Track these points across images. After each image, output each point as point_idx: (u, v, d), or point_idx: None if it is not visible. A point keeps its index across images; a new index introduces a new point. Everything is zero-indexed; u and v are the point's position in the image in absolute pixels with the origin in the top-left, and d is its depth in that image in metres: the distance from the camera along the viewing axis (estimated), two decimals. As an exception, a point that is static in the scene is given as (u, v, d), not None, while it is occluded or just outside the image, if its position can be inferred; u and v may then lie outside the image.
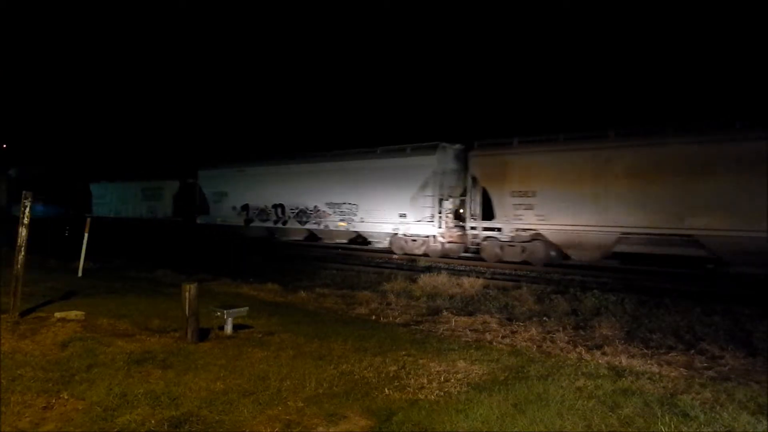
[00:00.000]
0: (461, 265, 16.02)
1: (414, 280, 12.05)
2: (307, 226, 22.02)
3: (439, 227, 17.93)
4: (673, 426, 4.12)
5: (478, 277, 12.92)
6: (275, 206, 23.30)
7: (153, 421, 4.07)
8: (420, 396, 4.74)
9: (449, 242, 18.12)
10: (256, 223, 24.26)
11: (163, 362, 5.48)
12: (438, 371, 5.43)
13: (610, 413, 4.38)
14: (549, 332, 7.65)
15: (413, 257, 17.98)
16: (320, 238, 22.16)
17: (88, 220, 12.73)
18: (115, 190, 36.12)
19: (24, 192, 7.46)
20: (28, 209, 7.41)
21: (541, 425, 4.13)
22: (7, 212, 36.03)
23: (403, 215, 18.68)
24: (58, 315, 7.24)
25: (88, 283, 10.96)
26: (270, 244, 22.95)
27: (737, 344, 6.95)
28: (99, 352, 5.74)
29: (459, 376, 5.32)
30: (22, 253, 7.35)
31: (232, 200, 25.52)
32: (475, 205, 17.64)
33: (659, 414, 4.34)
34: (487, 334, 7.52)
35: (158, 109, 69.79)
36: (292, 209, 22.51)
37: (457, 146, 18.46)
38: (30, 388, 4.69)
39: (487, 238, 17.21)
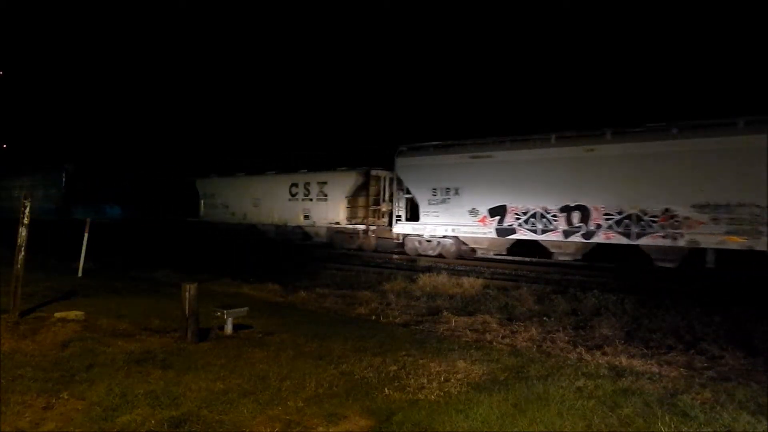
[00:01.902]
0: (461, 265, 16.00)
1: (414, 280, 12.05)
2: (643, 240, 13.77)
3: None
4: (673, 426, 4.13)
5: (478, 277, 12.91)
6: (566, 209, 15.04)
7: (153, 421, 4.08)
8: (420, 396, 4.75)
9: None
10: (523, 234, 15.77)
11: (163, 362, 5.48)
12: (438, 371, 5.44)
13: (610, 413, 4.38)
14: (549, 332, 7.65)
15: (416, 258, 17.65)
16: (655, 259, 14.01)
17: (88, 220, 12.71)
18: (238, 188, 25.31)
19: (24, 193, 7.47)
20: (27, 209, 7.41)
21: (541, 425, 4.14)
22: (65, 214, 28.01)
23: None
24: (58, 315, 7.24)
25: (88, 283, 10.96)
26: (270, 245, 22.26)
27: (737, 344, 6.95)
28: (99, 352, 5.75)
29: (459, 376, 5.32)
30: (22, 253, 7.35)
31: (469, 200, 16.80)
32: None
33: (659, 414, 4.35)
34: (487, 334, 7.52)
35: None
36: (607, 215, 14.29)
37: None
38: (30, 388, 4.69)
39: None
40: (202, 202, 26.97)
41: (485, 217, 16.50)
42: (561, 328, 7.86)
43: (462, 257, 17.35)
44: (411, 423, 4.15)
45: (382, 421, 4.19)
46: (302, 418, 4.22)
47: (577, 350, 6.66)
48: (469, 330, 7.73)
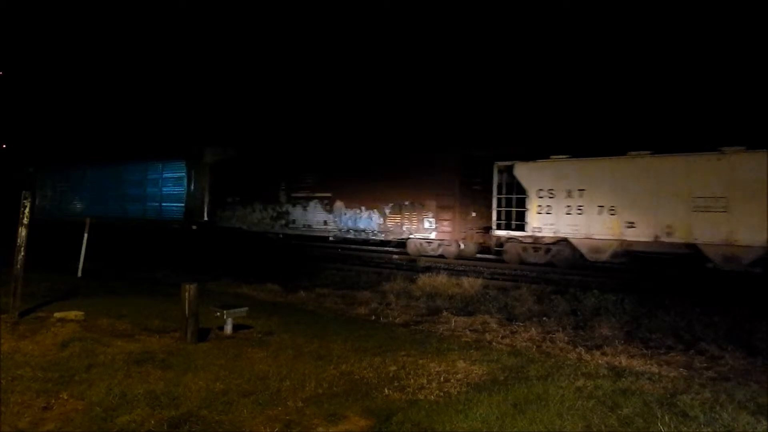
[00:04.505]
0: (461, 265, 15.98)
1: (414, 280, 12.03)
2: None
3: None
4: (672, 426, 4.12)
5: (477, 277, 12.89)
6: None
7: (153, 421, 4.07)
8: (420, 396, 4.74)
9: None
10: None
11: (162, 362, 5.48)
12: (438, 371, 5.43)
13: (610, 413, 4.38)
14: (549, 332, 7.65)
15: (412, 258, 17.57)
16: None
17: (88, 220, 12.68)
18: (647, 177, 13.16)
19: (23, 192, 7.43)
20: (27, 209, 7.40)
21: (541, 425, 4.13)
22: (206, 220, 21.22)
23: None
24: (57, 315, 7.24)
25: (88, 283, 10.97)
26: (270, 245, 22.39)
27: (737, 344, 6.95)
28: (99, 352, 5.74)
29: (459, 376, 5.32)
30: (22, 253, 7.35)
31: None
32: None
33: (659, 414, 4.34)
34: (486, 334, 7.51)
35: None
36: None
37: None
38: (30, 388, 4.69)
39: None
40: (536, 203, 14.95)
41: None
42: (561, 328, 7.86)
43: None
44: (411, 423, 4.15)
45: (381, 421, 4.19)
46: (302, 418, 4.22)
47: (577, 350, 6.65)
48: (469, 330, 7.73)
